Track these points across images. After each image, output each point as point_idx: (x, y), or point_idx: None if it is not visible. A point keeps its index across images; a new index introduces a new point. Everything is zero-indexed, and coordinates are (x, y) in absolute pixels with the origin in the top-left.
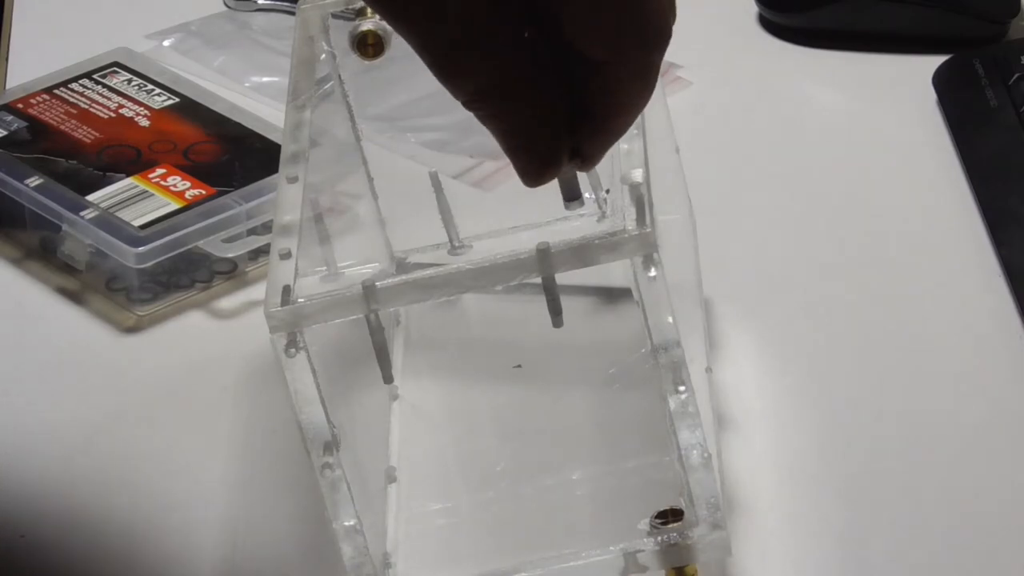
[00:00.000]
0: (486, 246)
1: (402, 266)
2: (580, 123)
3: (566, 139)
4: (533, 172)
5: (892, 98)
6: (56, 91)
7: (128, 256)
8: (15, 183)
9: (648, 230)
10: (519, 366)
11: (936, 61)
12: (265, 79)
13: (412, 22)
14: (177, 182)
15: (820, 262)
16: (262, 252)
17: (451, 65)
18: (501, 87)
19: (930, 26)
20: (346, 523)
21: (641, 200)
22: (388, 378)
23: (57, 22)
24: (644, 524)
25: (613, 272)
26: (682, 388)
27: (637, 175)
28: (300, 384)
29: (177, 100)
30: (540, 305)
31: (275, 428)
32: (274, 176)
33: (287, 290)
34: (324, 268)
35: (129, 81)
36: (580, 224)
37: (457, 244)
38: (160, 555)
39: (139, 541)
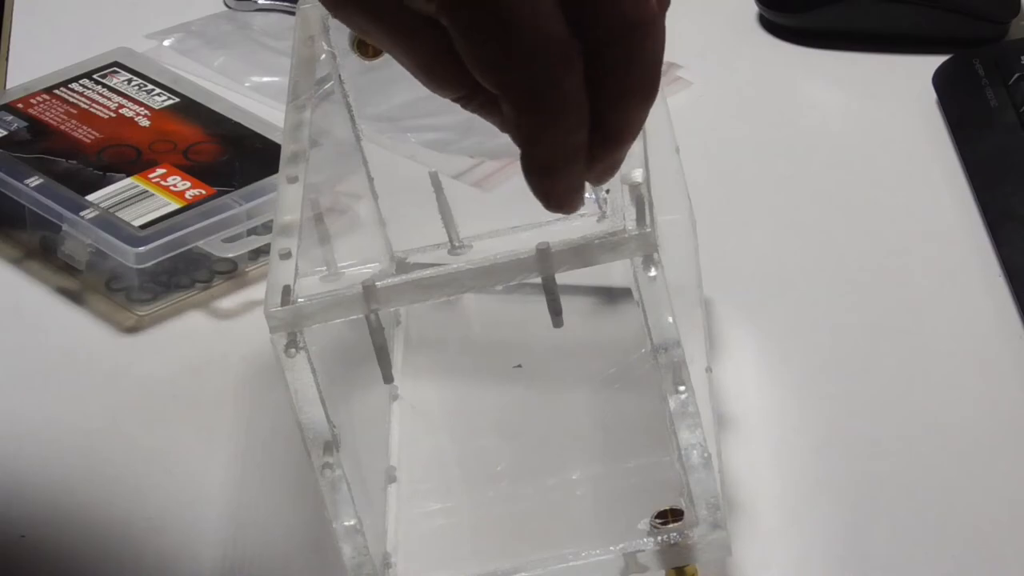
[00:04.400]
0: (486, 246)
1: (402, 266)
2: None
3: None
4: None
5: (892, 98)
6: (56, 91)
7: (128, 256)
8: (15, 183)
9: (648, 230)
10: (519, 366)
11: (936, 61)
12: (265, 79)
13: (391, 50)
14: (177, 182)
15: (820, 262)
16: (262, 252)
17: (431, 80)
18: (478, 95)
19: (930, 26)
20: (346, 523)
21: (641, 200)
22: (388, 378)
23: (57, 22)
24: (644, 524)
25: (613, 272)
26: (682, 388)
27: (637, 175)
28: (300, 384)
29: (177, 100)
30: (540, 305)
31: (275, 428)
32: (274, 176)
33: (287, 290)
34: (324, 268)
35: (129, 81)
36: (580, 224)
37: (457, 244)
38: (160, 555)
39: (139, 541)
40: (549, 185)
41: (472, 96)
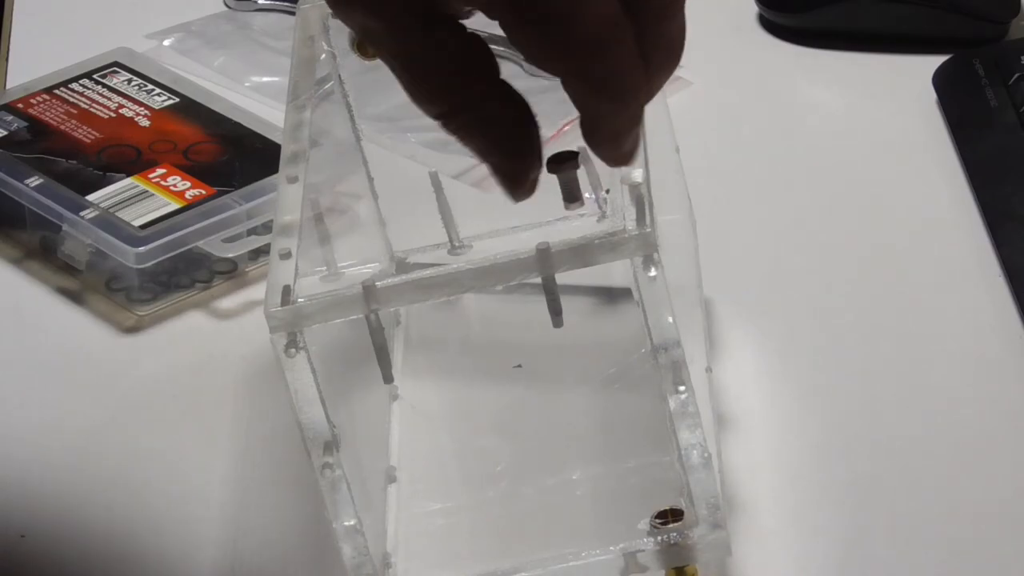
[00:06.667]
0: (486, 246)
1: (402, 266)
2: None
3: (528, 158)
4: (506, 188)
5: (892, 98)
6: (56, 91)
7: (128, 256)
8: (15, 183)
9: (648, 230)
10: (519, 366)
11: (936, 61)
12: (265, 79)
13: (382, 55)
14: (177, 182)
15: (820, 262)
16: (262, 252)
17: (418, 92)
18: (460, 114)
19: (930, 26)
20: (346, 523)
21: (641, 200)
22: (388, 378)
23: (57, 22)
24: (644, 524)
25: (613, 272)
26: (682, 388)
27: (637, 175)
28: (300, 384)
29: (177, 100)
30: (540, 305)
31: (275, 428)
32: (274, 176)
33: (287, 290)
34: (324, 268)
35: (129, 81)
36: (580, 224)
37: (457, 244)
38: (160, 555)
39: (139, 541)
40: (624, 147)
41: (455, 114)
